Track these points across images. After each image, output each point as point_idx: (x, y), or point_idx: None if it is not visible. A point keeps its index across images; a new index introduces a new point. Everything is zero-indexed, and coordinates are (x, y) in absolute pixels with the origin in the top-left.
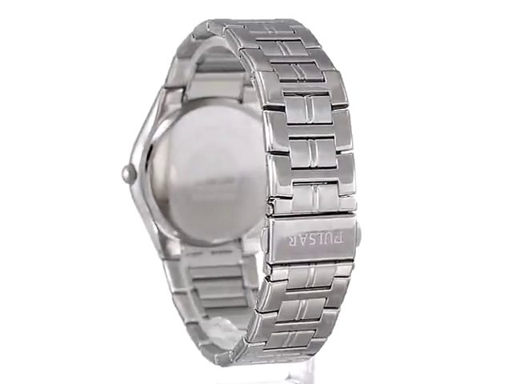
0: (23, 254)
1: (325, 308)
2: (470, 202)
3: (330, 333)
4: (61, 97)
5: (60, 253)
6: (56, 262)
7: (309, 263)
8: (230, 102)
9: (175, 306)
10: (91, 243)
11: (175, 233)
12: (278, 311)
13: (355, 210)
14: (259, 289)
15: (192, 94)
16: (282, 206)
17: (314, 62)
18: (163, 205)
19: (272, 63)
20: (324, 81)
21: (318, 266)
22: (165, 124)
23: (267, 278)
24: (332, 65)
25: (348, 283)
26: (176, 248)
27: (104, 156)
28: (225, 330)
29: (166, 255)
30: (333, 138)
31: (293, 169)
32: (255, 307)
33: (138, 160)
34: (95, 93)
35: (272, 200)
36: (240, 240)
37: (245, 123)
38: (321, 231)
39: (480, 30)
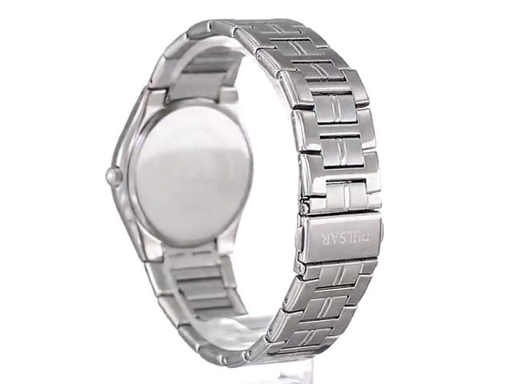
0: (4, 258)
1: (345, 306)
2: (477, 200)
3: (344, 331)
4: (39, 97)
5: (44, 258)
6: (44, 265)
7: (338, 261)
8: (208, 103)
9: (162, 308)
10: (70, 249)
11: (153, 232)
12: (303, 310)
13: (380, 207)
14: (289, 287)
15: (174, 94)
16: (317, 205)
17: (330, 62)
18: (143, 200)
19: (293, 63)
20: (345, 80)
21: (345, 264)
22: (148, 125)
23: (299, 277)
24: (347, 64)
25: (370, 280)
26: (157, 250)
27: (83, 159)
28: (230, 331)
29: (148, 257)
30: (359, 136)
31: (325, 167)
32: (281, 307)
33: (121, 161)
34: (72, 98)
35: (307, 199)
36: (215, 240)
37: (223, 123)
38: (351, 230)
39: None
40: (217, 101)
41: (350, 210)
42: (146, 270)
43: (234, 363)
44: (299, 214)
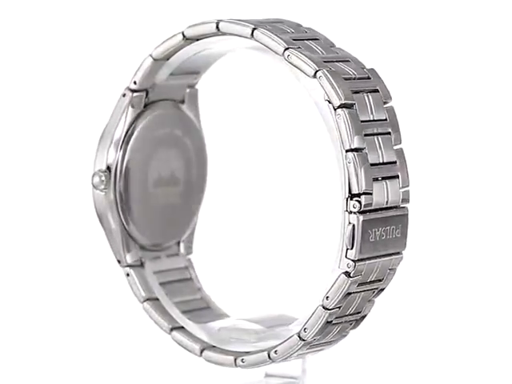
0: None
1: (368, 301)
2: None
3: (357, 327)
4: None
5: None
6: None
7: (377, 257)
8: (175, 104)
9: (149, 313)
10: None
11: (133, 235)
12: (340, 307)
13: (409, 202)
14: (330, 285)
15: (152, 96)
16: (366, 202)
17: (349, 61)
18: (126, 203)
19: (324, 62)
20: (370, 78)
21: (381, 259)
22: (131, 128)
23: (347, 274)
24: (362, 63)
25: (393, 276)
26: (136, 254)
27: (60, 163)
28: (242, 331)
29: (128, 262)
30: (390, 133)
31: (371, 165)
32: (321, 304)
33: (106, 165)
34: (47, 104)
35: (357, 196)
36: (178, 243)
37: (187, 124)
38: (389, 225)
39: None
40: (182, 102)
41: (388, 206)
42: (128, 274)
43: (255, 364)
44: (347, 211)
